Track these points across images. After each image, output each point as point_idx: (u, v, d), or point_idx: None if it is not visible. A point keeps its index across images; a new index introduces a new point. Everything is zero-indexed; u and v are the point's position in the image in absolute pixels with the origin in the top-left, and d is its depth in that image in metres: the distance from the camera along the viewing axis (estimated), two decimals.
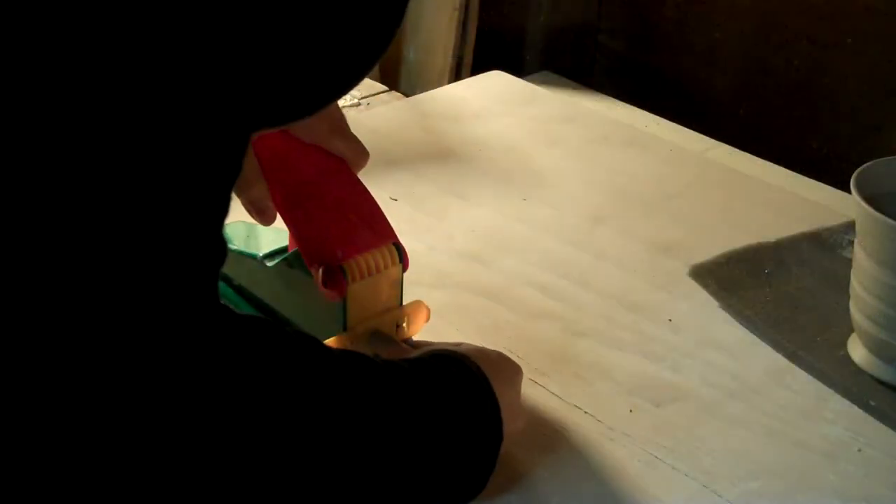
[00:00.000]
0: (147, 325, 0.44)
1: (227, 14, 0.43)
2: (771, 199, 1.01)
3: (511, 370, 0.69)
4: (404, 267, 0.74)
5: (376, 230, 0.73)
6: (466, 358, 0.65)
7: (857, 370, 0.78)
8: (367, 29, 0.49)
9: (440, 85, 1.34)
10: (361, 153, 0.76)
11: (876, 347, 0.77)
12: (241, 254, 0.78)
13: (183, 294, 0.46)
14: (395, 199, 0.98)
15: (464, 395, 0.63)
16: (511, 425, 0.66)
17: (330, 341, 0.71)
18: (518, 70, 1.31)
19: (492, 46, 1.46)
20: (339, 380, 0.55)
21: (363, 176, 1.00)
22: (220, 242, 0.48)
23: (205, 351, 0.47)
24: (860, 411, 0.75)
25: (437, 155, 1.08)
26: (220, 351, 0.48)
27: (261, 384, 0.50)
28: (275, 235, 0.78)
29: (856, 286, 0.77)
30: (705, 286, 0.87)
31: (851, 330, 0.80)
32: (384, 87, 1.33)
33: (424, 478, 0.60)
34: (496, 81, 1.24)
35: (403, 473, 0.58)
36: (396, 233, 0.74)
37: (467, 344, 0.70)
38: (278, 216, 0.74)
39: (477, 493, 0.64)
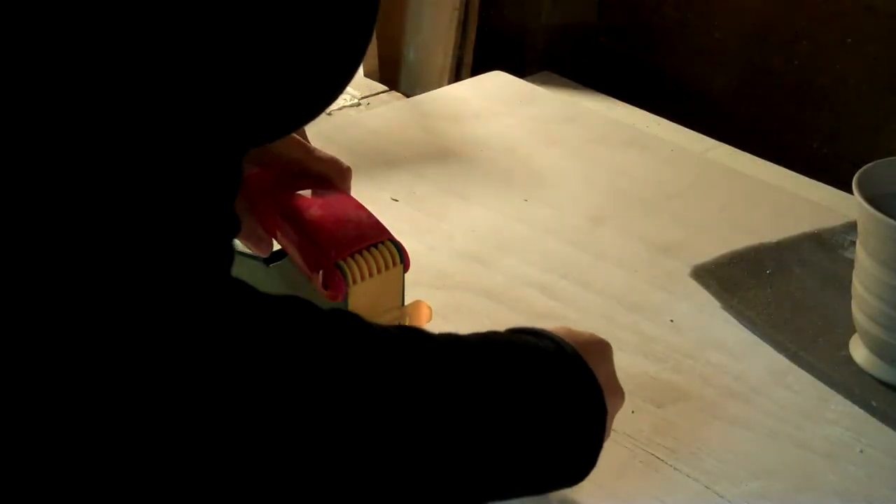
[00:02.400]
0: (159, 301, 0.42)
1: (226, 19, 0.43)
2: (771, 200, 1.01)
3: (601, 344, 0.64)
4: (405, 267, 0.74)
5: (368, 228, 0.74)
6: (548, 331, 0.61)
7: (859, 371, 0.78)
8: (349, 38, 0.50)
9: (440, 85, 1.34)
10: (342, 170, 0.78)
11: (877, 348, 0.77)
12: (243, 255, 0.78)
13: (195, 268, 0.44)
14: (396, 200, 0.98)
15: (552, 366, 0.58)
16: (613, 401, 0.62)
17: None
18: (518, 70, 1.31)
19: (492, 46, 1.46)
20: (392, 360, 0.50)
21: (364, 176, 1.01)
22: (231, 215, 0.47)
23: (224, 328, 0.44)
24: (862, 412, 0.75)
25: (438, 155, 1.08)
26: (240, 328, 0.44)
27: (299, 367, 0.46)
28: None
29: (857, 287, 0.77)
30: (706, 287, 0.87)
31: (853, 330, 0.80)
32: (384, 87, 1.33)
33: (516, 462, 0.55)
34: (496, 81, 1.24)
35: (490, 459, 0.53)
36: (398, 233, 0.75)
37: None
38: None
39: (587, 471, 0.60)
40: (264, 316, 0.46)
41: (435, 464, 0.51)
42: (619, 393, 0.64)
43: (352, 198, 0.77)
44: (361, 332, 0.51)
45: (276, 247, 0.78)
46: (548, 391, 0.57)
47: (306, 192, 0.77)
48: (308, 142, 0.80)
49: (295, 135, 0.80)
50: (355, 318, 0.51)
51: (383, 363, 0.50)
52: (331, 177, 0.77)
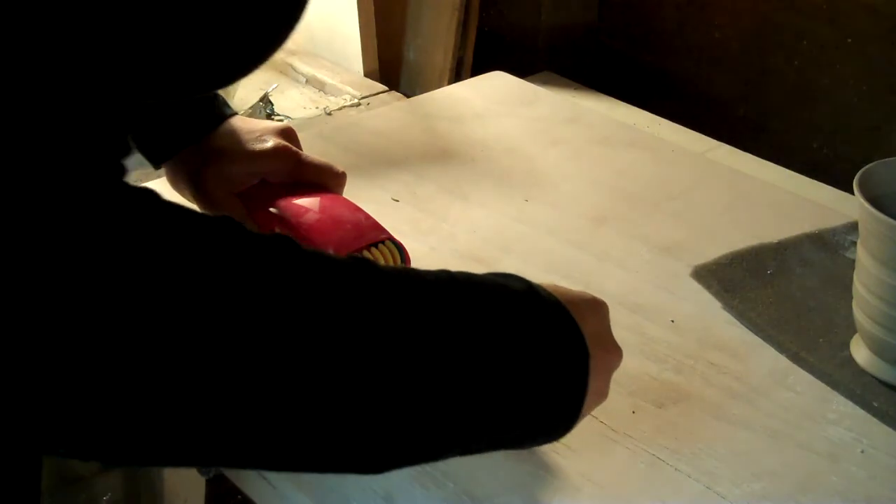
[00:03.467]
0: (51, 208, 0.40)
1: None
2: (772, 200, 1.01)
3: (592, 301, 0.60)
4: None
5: (367, 229, 0.74)
6: (523, 277, 0.56)
7: (860, 371, 0.78)
8: (264, 12, 0.47)
9: (440, 85, 1.34)
10: (336, 175, 0.79)
11: (879, 348, 0.77)
12: None
13: (87, 177, 0.42)
14: (397, 200, 0.98)
15: (518, 304, 0.53)
16: (605, 356, 0.58)
17: None
18: (519, 70, 1.31)
19: (492, 46, 1.46)
20: (327, 284, 0.45)
21: (364, 176, 1.01)
22: (121, 137, 0.45)
23: (119, 230, 0.41)
24: (863, 412, 0.75)
25: (439, 155, 1.08)
26: (138, 231, 0.42)
27: (202, 276, 0.42)
28: None
29: (858, 287, 0.77)
30: (708, 287, 0.87)
31: (854, 331, 0.80)
32: (384, 88, 1.33)
33: (476, 407, 0.50)
34: (497, 82, 1.24)
35: (441, 401, 0.48)
36: (398, 234, 0.75)
37: None
38: None
39: (569, 423, 0.56)
40: (172, 224, 0.43)
41: (371, 406, 0.46)
42: (614, 349, 0.61)
43: (349, 200, 0.77)
44: (293, 254, 0.46)
45: None
46: (510, 329, 0.52)
47: (304, 198, 0.77)
48: (301, 149, 0.81)
49: (287, 143, 0.80)
50: (291, 242, 0.47)
51: (313, 286, 0.45)
52: (325, 182, 0.78)
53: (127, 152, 0.45)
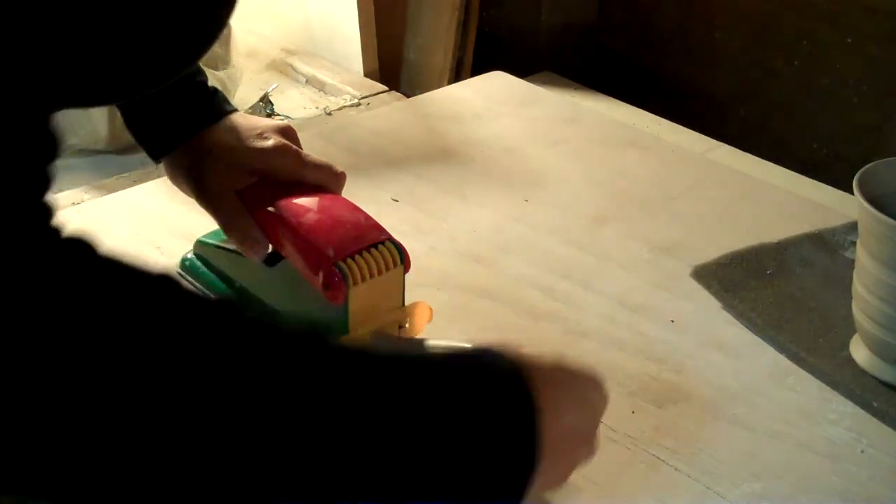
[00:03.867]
0: None
1: None
2: (772, 200, 1.01)
3: (583, 385, 0.55)
4: (406, 268, 0.74)
5: (367, 230, 0.74)
6: (504, 356, 0.52)
7: (860, 371, 0.78)
8: (186, 23, 0.47)
9: (440, 85, 1.34)
10: (336, 175, 0.78)
11: (878, 348, 0.77)
12: (244, 256, 0.78)
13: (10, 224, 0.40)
14: (397, 200, 0.98)
15: (474, 397, 0.49)
16: (567, 452, 0.54)
17: None
18: (519, 70, 1.31)
19: (492, 46, 1.46)
20: (252, 360, 0.44)
21: (364, 176, 1.01)
22: (42, 173, 0.43)
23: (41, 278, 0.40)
24: (863, 412, 0.75)
25: (439, 155, 1.08)
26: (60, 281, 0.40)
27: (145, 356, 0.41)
28: None
29: (858, 287, 0.77)
30: (707, 287, 0.87)
31: (854, 331, 0.80)
32: (384, 88, 1.33)
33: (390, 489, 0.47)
34: (497, 82, 1.24)
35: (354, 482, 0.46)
36: (398, 234, 0.75)
37: (541, 354, 0.55)
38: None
39: None
40: (107, 282, 0.42)
41: (294, 483, 0.45)
42: (586, 444, 0.56)
43: (349, 200, 0.77)
44: (234, 322, 0.45)
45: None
46: (453, 424, 0.49)
47: (304, 198, 0.77)
48: (301, 148, 0.81)
49: (288, 143, 0.80)
50: (234, 309, 0.46)
51: (249, 357, 0.44)
52: (325, 182, 0.78)
53: (48, 185, 0.43)
